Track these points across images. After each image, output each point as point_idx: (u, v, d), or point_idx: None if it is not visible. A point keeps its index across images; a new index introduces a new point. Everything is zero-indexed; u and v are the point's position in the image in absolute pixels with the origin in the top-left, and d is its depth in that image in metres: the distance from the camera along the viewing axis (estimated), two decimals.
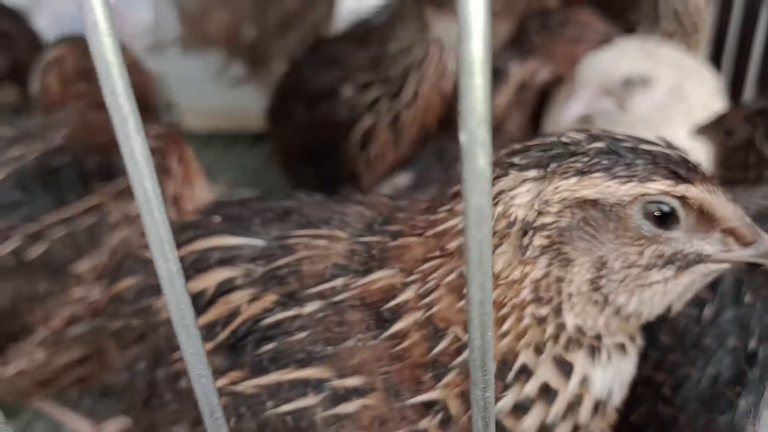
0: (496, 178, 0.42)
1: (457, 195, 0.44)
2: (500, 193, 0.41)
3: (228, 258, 0.48)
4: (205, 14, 1.24)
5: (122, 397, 0.55)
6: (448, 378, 0.41)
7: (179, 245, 0.50)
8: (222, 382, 0.44)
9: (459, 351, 0.42)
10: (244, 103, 1.37)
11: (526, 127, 0.87)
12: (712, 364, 0.54)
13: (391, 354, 0.42)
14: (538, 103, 0.89)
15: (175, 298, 0.27)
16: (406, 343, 0.42)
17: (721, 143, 0.63)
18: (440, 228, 0.43)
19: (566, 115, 0.72)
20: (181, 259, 0.49)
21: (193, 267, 0.49)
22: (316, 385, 0.42)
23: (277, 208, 0.51)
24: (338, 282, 0.44)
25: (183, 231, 0.53)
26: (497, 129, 0.82)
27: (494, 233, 0.41)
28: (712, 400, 0.53)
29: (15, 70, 1.36)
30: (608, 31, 0.94)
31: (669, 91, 0.70)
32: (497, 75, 0.83)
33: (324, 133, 0.98)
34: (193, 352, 0.29)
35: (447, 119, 0.90)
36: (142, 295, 0.52)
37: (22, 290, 0.66)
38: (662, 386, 0.55)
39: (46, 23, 1.53)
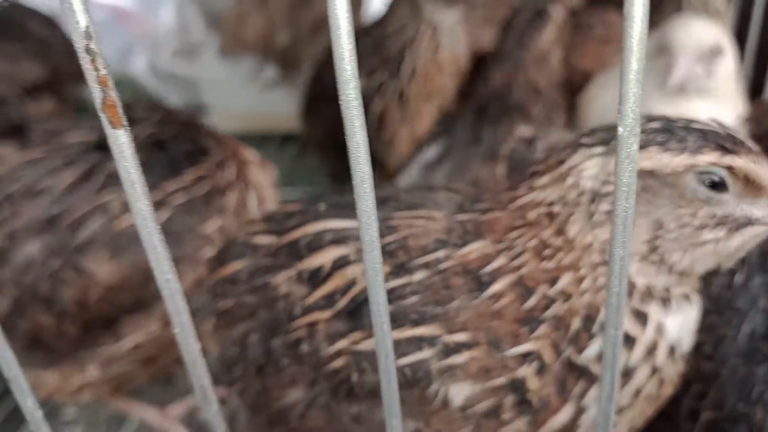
0: (567, 156, 0.50)
1: (535, 174, 0.52)
2: (571, 168, 0.49)
3: (340, 238, 0.55)
4: (241, 21, 1.31)
5: (230, 369, 0.62)
6: (540, 330, 0.49)
7: (290, 229, 0.58)
8: (344, 343, 0.52)
9: (547, 306, 0.49)
10: (274, 105, 1.44)
11: (564, 60, 0.95)
12: (746, 323, 0.63)
13: (491, 312, 0.50)
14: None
15: (372, 261, 0.34)
16: (502, 302, 0.50)
17: (749, 131, 0.71)
18: (522, 202, 0.52)
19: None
20: (296, 240, 0.57)
21: (307, 247, 0.56)
22: (430, 340, 0.50)
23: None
24: (440, 254, 0.52)
25: (290, 218, 0.61)
26: (544, 60, 0.90)
27: (567, 203, 0.49)
28: (749, 354, 0.61)
29: (52, 78, 1.40)
30: None
31: (733, 62, 0.79)
32: (541, 16, 0.91)
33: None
34: (381, 304, 0.36)
35: (470, 96, 0.97)
36: (256, 275, 0.59)
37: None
38: (703, 345, 0.63)
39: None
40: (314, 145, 1.25)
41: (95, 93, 0.30)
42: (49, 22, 1.46)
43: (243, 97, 1.45)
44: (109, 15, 1.71)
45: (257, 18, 1.31)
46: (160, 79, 1.64)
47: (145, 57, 1.67)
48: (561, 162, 0.50)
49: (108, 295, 0.72)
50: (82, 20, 0.28)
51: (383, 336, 0.37)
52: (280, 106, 1.42)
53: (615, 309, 0.33)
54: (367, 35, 1.03)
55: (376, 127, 1.02)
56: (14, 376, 0.38)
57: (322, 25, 1.36)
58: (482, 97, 0.90)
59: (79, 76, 1.23)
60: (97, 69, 0.29)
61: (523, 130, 0.83)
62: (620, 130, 0.29)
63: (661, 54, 0.85)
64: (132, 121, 0.83)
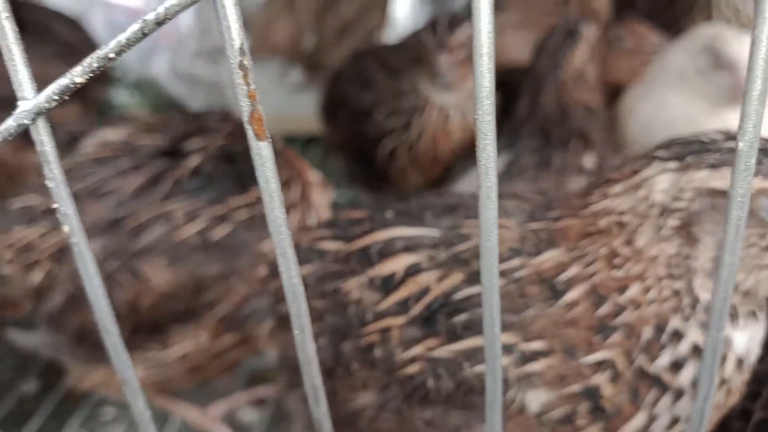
0: (641, 167, 0.51)
1: (610, 181, 0.53)
2: (644, 180, 0.50)
3: (411, 245, 0.56)
4: (270, 25, 1.32)
5: (294, 372, 0.63)
6: (613, 338, 0.50)
7: (358, 236, 0.59)
8: (419, 349, 0.53)
9: (618, 314, 0.50)
10: (298, 108, 1.45)
11: (600, 76, 0.97)
12: None
13: (566, 320, 0.51)
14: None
15: (489, 267, 0.35)
16: (577, 310, 0.51)
17: None
18: (595, 208, 0.52)
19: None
20: (367, 247, 0.58)
21: (378, 254, 0.57)
22: (507, 348, 0.51)
23: (439, 203, 0.60)
24: (515, 262, 0.53)
25: (356, 224, 0.62)
26: (581, 79, 0.92)
27: (637, 213, 0.50)
28: None
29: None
30: (661, 42, 1.04)
31: None
32: (573, 35, 0.92)
33: (362, 141, 1.09)
34: (494, 312, 0.37)
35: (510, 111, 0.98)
36: (326, 280, 0.60)
37: (206, 268, 0.72)
38: None
39: (99, 31, 1.58)
40: (335, 148, 1.27)
41: (244, 106, 0.31)
42: (73, 24, 1.45)
43: (267, 100, 1.46)
44: (130, 17, 1.72)
45: (285, 22, 1.32)
46: (181, 81, 1.64)
47: (166, 59, 1.68)
48: (635, 172, 0.51)
49: (160, 302, 0.73)
50: (237, 38, 0.29)
51: (493, 339, 0.38)
52: (304, 109, 1.42)
53: (719, 313, 0.35)
54: (390, 76, 1.05)
55: (387, 158, 1.04)
56: (128, 377, 0.39)
57: (348, 28, 1.37)
58: (541, 120, 0.91)
59: (104, 78, 1.26)
60: (248, 84, 0.30)
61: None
62: (740, 145, 0.30)
63: (712, 67, 0.86)
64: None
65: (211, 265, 0.73)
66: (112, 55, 0.32)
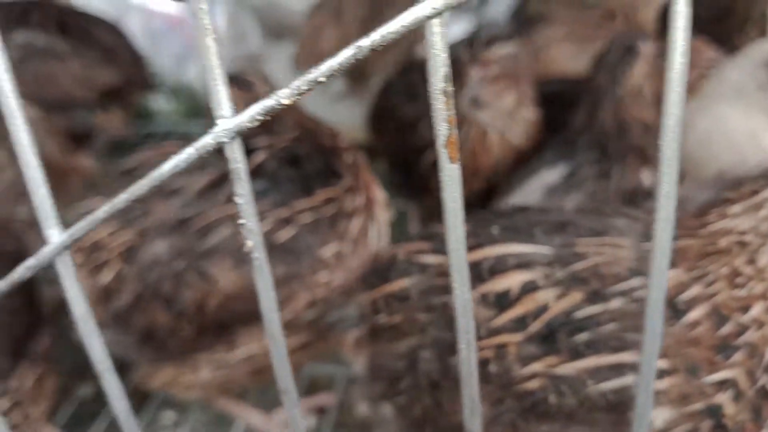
0: (762, 188, 0.52)
1: (727, 201, 0.54)
2: (765, 200, 0.51)
3: (524, 263, 0.57)
4: (317, 34, 1.32)
5: (393, 383, 0.63)
6: (735, 358, 0.51)
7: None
8: (538, 366, 0.53)
9: (740, 333, 0.51)
10: (339, 116, 1.45)
11: (657, 91, 0.96)
12: None
13: (688, 339, 0.52)
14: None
15: (659, 288, 0.35)
16: (699, 330, 0.52)
17: None
18: (713, 228, 0.53)
19: None
20: (479, 263, 0.58)
21: (490, 270, 0.57)
22: (632, 366, 0.51)
23: (547, 220, 0.60)
24: (635, 282, 0.53)
25: None
26: (639, 96, 0.92)
27: (759, 233, 0.51)
28: None
29: (122, 85, 1.39)
30: (716, 56, 1.05)
31: None
32: (630, 52, 0.93)
33: (406, 152, 1.10)
34: (657, 329, 0.37)
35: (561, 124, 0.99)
36: (432, 294, 0.60)
37: (270, 270, 0.71)
38: None
39: (137, 36, 1.58)
40: (378, 155, 1.27)
41: (442, 130, 0.32)
42: (114, 30, 1.45)
43: (309, 107, 1.46)
44: (164, 23, 1.72)
45: (332, 31, 1.32)
46: None
47: (202, 65, 1.67)
48: (755, 192, 0.52)
49: (227, 303, 0.73)
50: (443, 66, 0.30)
51: (651, 356, 0.38)
52: (345, 117, 1.43)
53: None
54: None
55: (428, 171, 1.05)
56: (288, 388, 0.39)
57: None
58: (599, 134, 0.92)
59: (145, 83, 1.26)
60: (449, 109, 0.31)
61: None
62: None
63: None
64: (270, 133, 0.83)
65: (275, 267, 0.73)
66: (322, 79, 0.32)
